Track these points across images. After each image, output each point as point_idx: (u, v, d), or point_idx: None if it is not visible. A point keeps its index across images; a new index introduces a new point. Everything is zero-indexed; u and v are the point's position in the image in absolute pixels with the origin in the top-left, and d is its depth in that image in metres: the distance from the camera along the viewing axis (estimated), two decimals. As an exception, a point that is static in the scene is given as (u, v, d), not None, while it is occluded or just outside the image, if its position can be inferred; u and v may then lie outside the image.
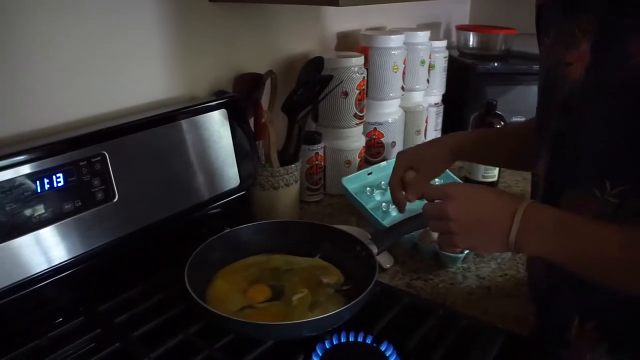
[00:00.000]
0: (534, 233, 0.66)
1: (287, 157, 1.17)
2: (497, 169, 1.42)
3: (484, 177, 1.41)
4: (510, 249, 0.68)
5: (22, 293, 0.77)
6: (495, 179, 1.43)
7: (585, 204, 0.68)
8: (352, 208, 1.24)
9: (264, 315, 0.82)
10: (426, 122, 1.62)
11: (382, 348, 0.78)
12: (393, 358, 0.76)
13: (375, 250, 0.89)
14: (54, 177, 0.79)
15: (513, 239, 0.66)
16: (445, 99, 1.72)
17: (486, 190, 0.79)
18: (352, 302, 0.79)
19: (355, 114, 1.32)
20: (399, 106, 1.50)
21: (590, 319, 0.72)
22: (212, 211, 1.02)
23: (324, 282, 0.89)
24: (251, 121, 1.12)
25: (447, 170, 1.16)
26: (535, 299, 0.84)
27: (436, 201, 0.77)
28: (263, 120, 1.10)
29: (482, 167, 1.40)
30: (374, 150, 1.46)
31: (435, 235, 1.07)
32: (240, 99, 1.06)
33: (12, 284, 0.75)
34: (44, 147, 0.79)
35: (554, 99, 0.73)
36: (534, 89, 1.64)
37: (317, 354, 0.76)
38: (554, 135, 0.74)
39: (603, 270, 0.63)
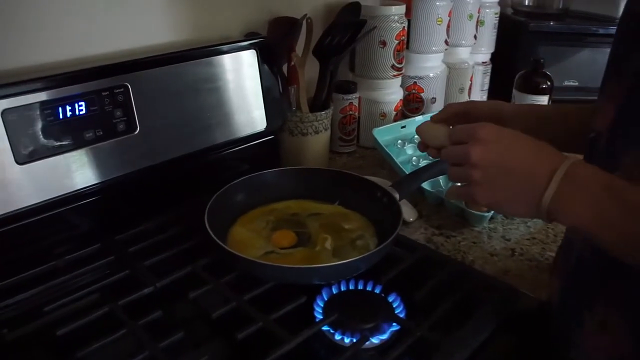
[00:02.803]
0: (574, 197, 0.55)
1: (318, 103, 1.15)
2: None
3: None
4: (540, 214, 0.57)
5: (42, 216, 0.79)
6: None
7: None
8: (384, 162, 1.21)
9: (289, 260, 0.80)
10: (471, 80, 1.56)
11: (390, 299, 0.76)
12: (399, 309, 0.75)
13: (397, 196, 0.86)
14: (76, 104, 0.80)
15: (547, 200, 0.56)
16: (495, 58, 1.64)
17: (524, 137, 0.61)
18: (378, 248, 0.78)
19: (393, 65, 1.28)
20: (442, 61, 1.44)
21: (615, 306, 0.62)
22: (236, 153, 1.02)
23: (346, 228, 0.88)
24: (285, 67, 1.10)
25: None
26: (560, 274, 0.74)
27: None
28: (292, 63, 1.08)
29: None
30: (413, 106, 1.42)
31: (462, 192, 1.04)
32: (271, 41, 1.04)
33: (32, 204, 0.78)
34: (66, 75, 0.80)
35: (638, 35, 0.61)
36: (591, 53, 1.56)
37: (322, 298, 0.76)
38: (634, 78, 0.60)
39: None
